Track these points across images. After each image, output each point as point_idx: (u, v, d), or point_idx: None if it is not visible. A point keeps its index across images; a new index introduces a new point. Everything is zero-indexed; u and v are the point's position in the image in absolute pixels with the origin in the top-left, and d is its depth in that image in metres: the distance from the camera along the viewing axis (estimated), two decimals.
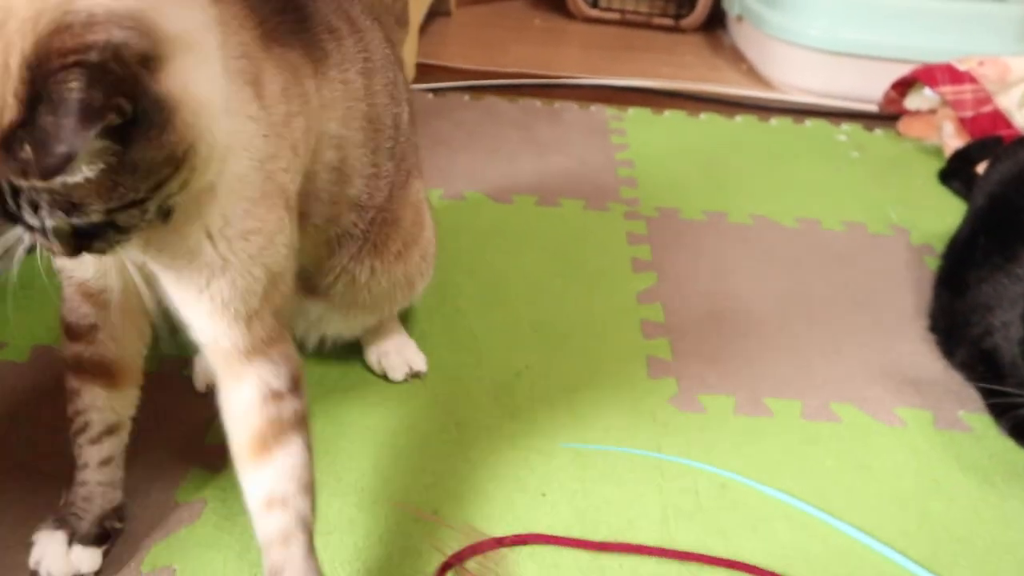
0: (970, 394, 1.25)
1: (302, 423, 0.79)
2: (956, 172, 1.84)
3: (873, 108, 2.19)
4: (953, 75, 1.95)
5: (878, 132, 2.11)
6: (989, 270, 1.30)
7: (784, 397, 1.21)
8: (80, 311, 0.84)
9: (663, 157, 1.89)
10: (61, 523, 0.88)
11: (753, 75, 2.45)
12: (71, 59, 0.53)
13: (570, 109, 2.10)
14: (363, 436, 1.08)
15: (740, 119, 2.14)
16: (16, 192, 0.57)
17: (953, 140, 1.95)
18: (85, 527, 0.88)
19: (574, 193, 1.68)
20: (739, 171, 1.87)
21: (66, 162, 0.53)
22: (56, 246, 0.61)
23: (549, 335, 1.29)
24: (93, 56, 0.53)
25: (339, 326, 1.11)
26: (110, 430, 0.88)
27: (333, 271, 1.01)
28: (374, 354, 1.18)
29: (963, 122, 1.93)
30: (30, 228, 0.60)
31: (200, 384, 1.13)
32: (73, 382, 0.86)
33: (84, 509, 0.89)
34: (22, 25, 0.54)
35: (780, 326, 1.36)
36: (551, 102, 2.13)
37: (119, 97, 0.54)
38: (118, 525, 0.92)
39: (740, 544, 0.98)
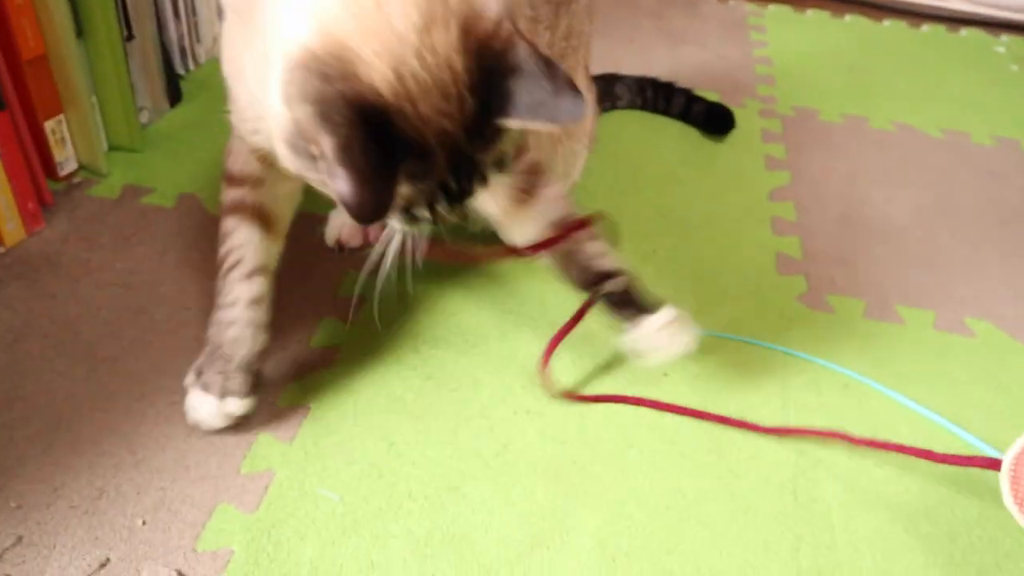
0: None
1: None
2: None
3: None
4: None
5: None
6: None
7: (917, 306, 1.17)
8: (248, 166, 0.89)
9: (803, 57, 1.81)
10: (207, 385, 0.88)
11: None
12: (515, 43, 0.66)
13: (708, 2, 2.02)
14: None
15: (888, 23, 2.02)
16: (467, 171, 0.68)
17: None
18: (234, 378, 0.88)
19: (709, 86, 1.63)
20: (884, 77, 1.77)
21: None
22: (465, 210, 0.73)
23: (679, 224, 1.27)
24: (511, 29, 0.66)
25: None
26: (261, 269, 0.91)
27: None
28: None
29: None
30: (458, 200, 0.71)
31: (331, 240, 1.17)
32: (229, 222, 0.90)
33: (231, 354, 0.89)
34: (448, 38, 0.64)
35: (918, 235, 1.31)
36: None
37: None
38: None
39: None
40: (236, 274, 0.89)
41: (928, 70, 1.83)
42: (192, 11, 1.49)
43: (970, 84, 1.78)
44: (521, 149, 0.92)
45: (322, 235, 1.18)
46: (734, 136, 1.50)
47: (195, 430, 0.90)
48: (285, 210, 0.93)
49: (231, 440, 0.90)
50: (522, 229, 0.96)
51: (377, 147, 0.62)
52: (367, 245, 1.17)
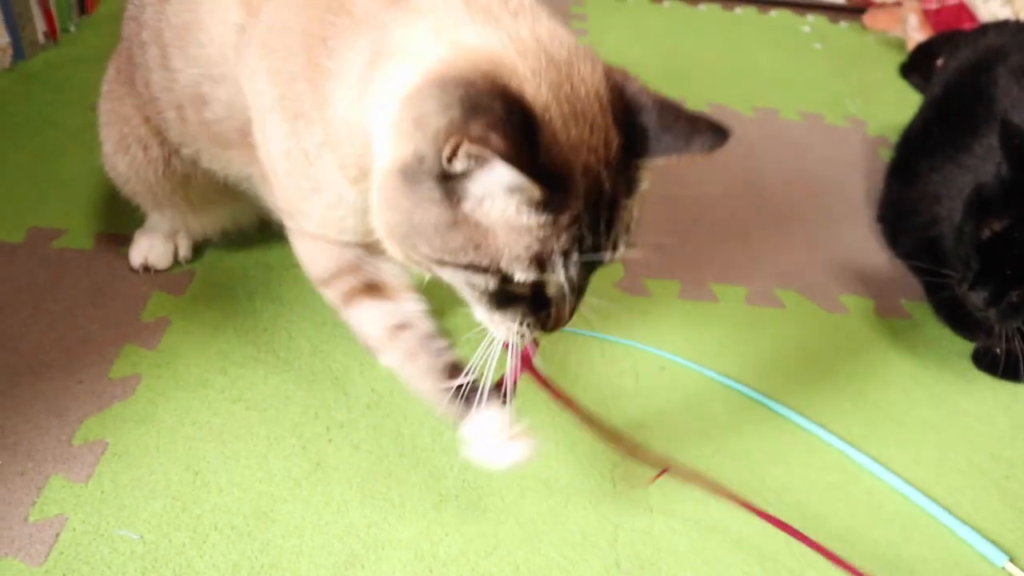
0: (911, 283, 1.26)
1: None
2: (917, 65, 1.81)
3: (840, 0, 2.14)
4: None
5: (843, 24, 2.07)
6: (940, 160, 1.29)
7: (729, 283, 1.21)
8: (335, 260, 0.85)
9: (623, 44, 1.84)
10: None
11: None
12: (635, 81, 0.65)
13: None
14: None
15: (704, 7, 2.08)
16: (609, 220, 0.63)
17: (916, 33, 1.92)
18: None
19: None
20: (699, 59, 1.83)
21: None
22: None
23: None
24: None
25: None
26: (404, 325, 0.83)
27: None
28: None
29: (927, 14, 1.90)
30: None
31: (136, 262, 1.11)
32: (350, 314, 0.86)
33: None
34: (593, 72, 0.64)
35: (730, 213, 1.35)
36: None
37: None
38: None
39: (676, 423, 0.99)
40: (401, 351, 0.82)
41: (741, 51, 1.89)
42: None
43: (779, 63, 1.85)
44: None
45: (126, 256, 1.11)
46: None
47: None
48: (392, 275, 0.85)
49: (18, 486, 0.84)
50: None
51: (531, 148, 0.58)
52: (178, 264, 1.12)
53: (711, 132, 0.63)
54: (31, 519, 0.81)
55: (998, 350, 1.12)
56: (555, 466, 0.92)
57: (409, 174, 0.61)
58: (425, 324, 0.82)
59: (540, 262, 0.61)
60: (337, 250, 0.83)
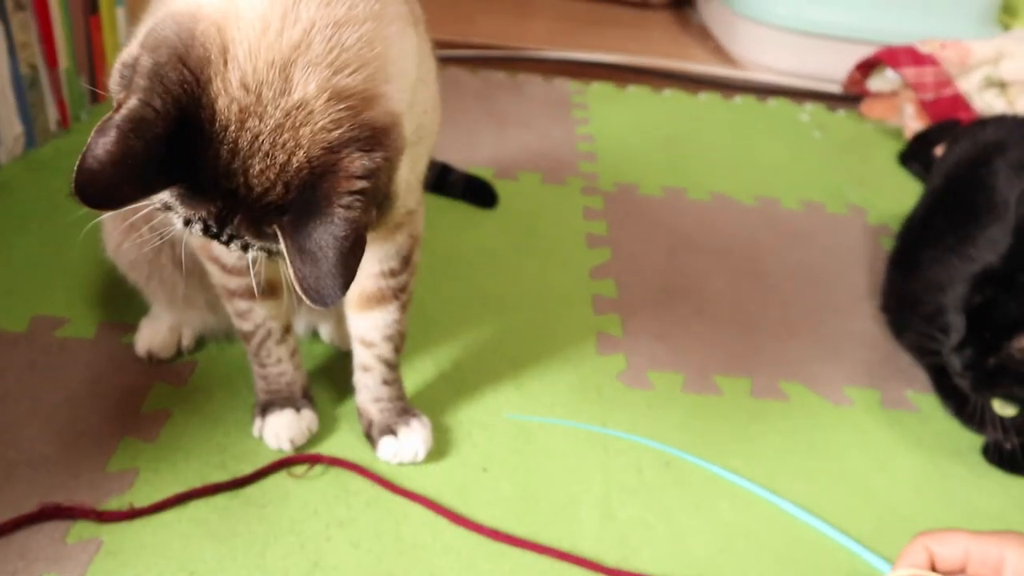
0: (917, 374, 1.25)
1: (401, 293, 0.95)
2: (915, 154, 1.84)
3: (836, 89, 2.19)
4: (915, 57, 1.95)
5: (840, 113, 2.11)
6: (942, 250, 1.30)
7: (733, 375, 1.20)
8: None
9: (624, 133, 1.87)
10: (278, 405, 1.00)
11: (719, 53, 2.43)
12: (356, 186, 0.62)
13: (533, 82, 2.07)
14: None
15: (704, 96, 2.12)
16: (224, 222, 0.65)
17: (913, 122, 1.95)
18: (298, 397, 1.02)
19: (533, 167, 1.66)
20: (700, 148, 1.85)
21: (338, 291, 0.62)
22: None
23: (499, 308, 1.27)
24: (370, 183, 0.62)
25: None
26: (287, 329, 0.99)
27: None
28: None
29: (924, 104, 1.93)
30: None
31: (142, 350, 1.10)
32: (241, 304, 0.95)
33: (291, 386, 1.01)
34: (316, 132, 0.62)
35: (733, 304, 1.36)
36: (515, 74, 2.10)
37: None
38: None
39: (682, 522, 0.97)
40: (271, 342, 0.98)
41: (741, 139, 1.92)
42: None
43: (779, 151, 1.88)
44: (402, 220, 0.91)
45: (129, 345, 1.11)
46: (557, 215, 1.52)
47: None
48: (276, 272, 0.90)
49: None
50: (366, 327, 0.97)
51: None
52: (180, 355, 1.12)
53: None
54: None
55: (1008, 444, 1.10)
56: (558, 564, 0.90)
57: None
58: None
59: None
60: None
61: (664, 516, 0.98)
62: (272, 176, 0.63)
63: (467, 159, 1.61)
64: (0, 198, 1.38)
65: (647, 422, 1.10)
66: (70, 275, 1.22)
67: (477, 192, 1.51)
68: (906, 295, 1.33)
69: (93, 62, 1.62)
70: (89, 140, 0.59)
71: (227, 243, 0.67)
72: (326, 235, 0.62)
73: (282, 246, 0.64)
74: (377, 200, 0.66)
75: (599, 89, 2.08)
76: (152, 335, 1.11)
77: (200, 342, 1.14)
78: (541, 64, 2.20)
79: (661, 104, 2.06)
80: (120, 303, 1.16)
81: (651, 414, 1.11)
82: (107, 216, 1.04)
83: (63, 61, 1.54)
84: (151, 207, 0.68)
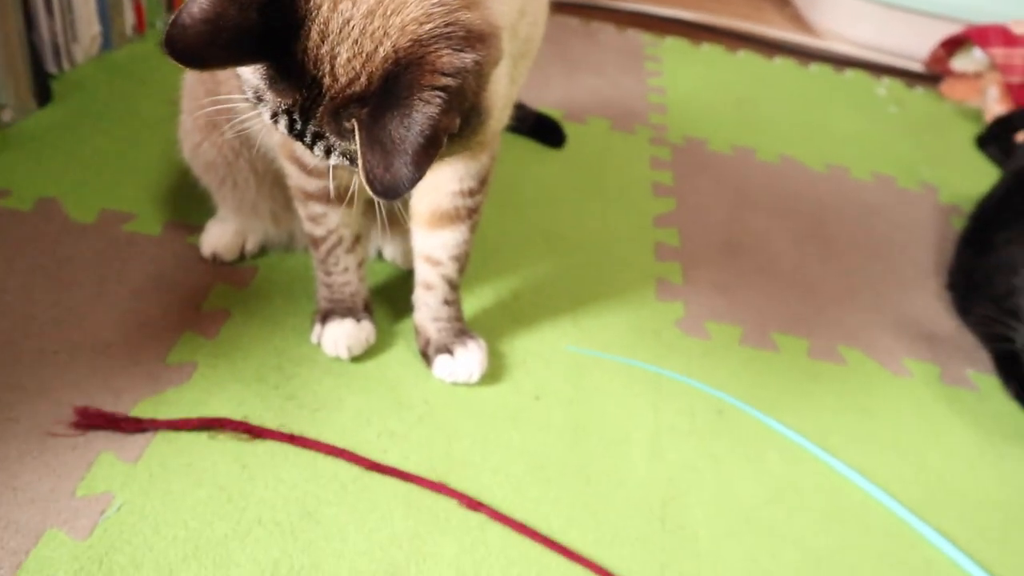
0: (980, 355, 1.22)
1: (474, 214, 0.95)
2: (995, 138, 1.78)
3: (917, 66, 2.12)
4: (1007, 37, 1.88)
5: (918, 90, 2.05)
6: (1019, 232, 1.26)
7: (792, 334, 1.19)
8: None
9: (696, 88, 1.84)
10: (339, 314, 1.00)
11: (797, 20, 2.37)
12: (440, 82, 0.60)
13: (606, 31, 2.04)
14: None
15: (779, 61, 2.07)
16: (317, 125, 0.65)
17: (996, 105, 1.89)
18: (360, 309, 1.02)
19: (602, 112, 1.64)
20: (772, 112, 1.82)
21: (403, 183, 0.61)
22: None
23: (560, 246, 1.26)
24: (456, 82, 0.60)
25: None
26: (358, 239, 0.99)
27: None
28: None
29: (1009, 87, 1.87)
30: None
31: (207, 251, 1.11)
32: (316, 208, 0.95)
33: (354, 296, 1.01)
34: (407, 23, 0.61)
35: (795, 265, 1.33)
36: (588, 22, 2.06)
37: (460, 114, 0.63)
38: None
39: (730, 470, 0.96)
40: (340, 250, 0.98)
41: (814, 107, 1.88)
42: (68, 8, 1.42)
43: (852, 122, 1.83)
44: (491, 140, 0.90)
45: (194, 245, 1.12)
46: (623, 162, 1.50)
47: (29, 451, 0.83)
48: (349, 183, 0.90)
49: (69, 460, 0.84)
50: (434, 244, 0.96)
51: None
52: (243, 259, 1.12)
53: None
54: (79, 493, 0.80)
55: None
56: (606, 499, 0.90)
57: None
58: None
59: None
60: None
61: (713, 462, 0.97)
62: (358, 66, 0.62)
63: (537, 98, 1.59)
64: (75, 96, 1.39)
65: (702, 370, 1.08)
66: (140, 174, 1.23)
67: (547, 130, 1.49)
68: (976, 274, 1.30)
69: None
70: None
71: (311, 145, 0.67)
72: (400, 126, 0.60)
73: (357, 142, 0.63)
74: (463, 108, 0.64)
75: (673, 44, 2.04)
76: (218, 237, 1.12)
77: (262, 250, 1.14)
78: (614, 14, 2.16)
79: (735, 64, 2.02)
80: (187, 205, 1.17)
81: (706, 363, 1.10)
82: (187, 115, 1.05)
83: None
84: (236, 104, 0.68)
